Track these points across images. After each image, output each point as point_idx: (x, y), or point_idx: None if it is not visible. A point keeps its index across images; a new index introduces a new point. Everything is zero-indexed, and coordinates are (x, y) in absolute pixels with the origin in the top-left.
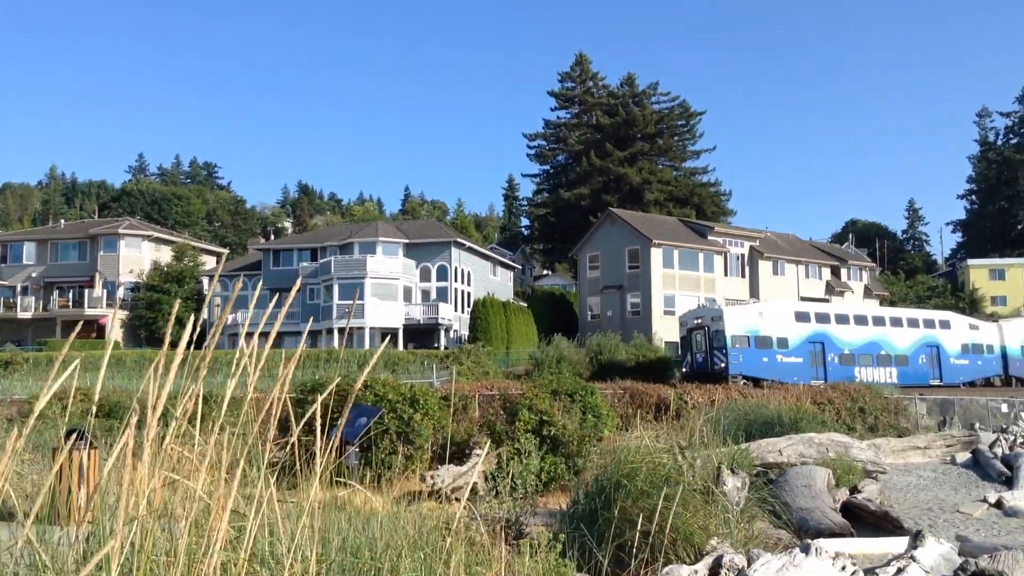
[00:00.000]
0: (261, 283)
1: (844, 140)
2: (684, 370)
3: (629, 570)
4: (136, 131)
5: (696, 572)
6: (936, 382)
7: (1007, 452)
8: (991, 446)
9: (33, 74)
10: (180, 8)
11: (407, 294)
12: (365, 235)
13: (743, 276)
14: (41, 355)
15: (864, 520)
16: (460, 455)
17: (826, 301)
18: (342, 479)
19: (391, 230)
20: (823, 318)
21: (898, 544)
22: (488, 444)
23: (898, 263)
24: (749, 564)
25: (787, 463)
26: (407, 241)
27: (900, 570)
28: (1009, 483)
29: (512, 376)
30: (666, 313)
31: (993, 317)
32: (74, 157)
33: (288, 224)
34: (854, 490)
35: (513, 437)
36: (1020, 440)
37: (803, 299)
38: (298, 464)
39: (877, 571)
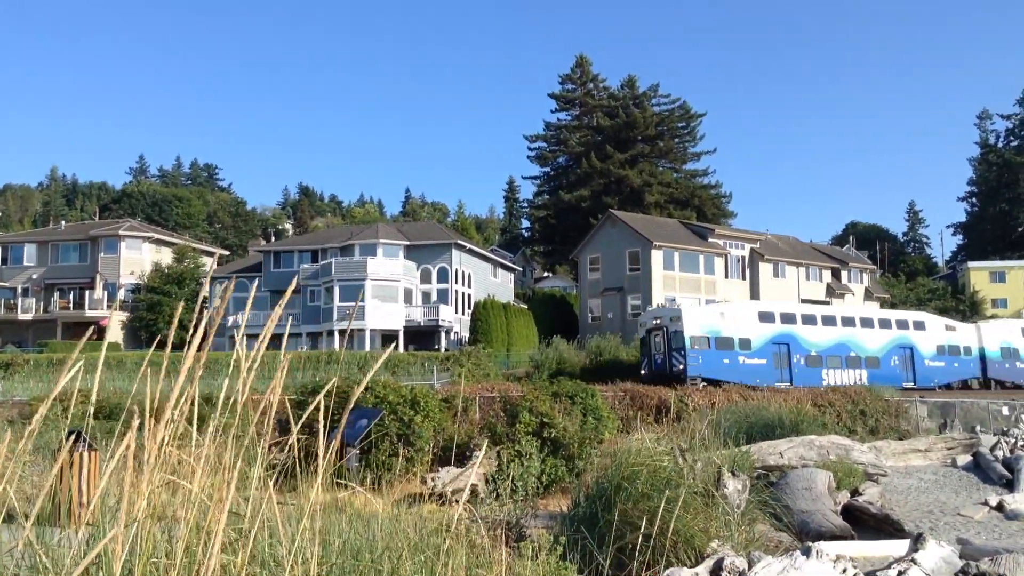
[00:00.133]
0: (258, 284)
1: (844, 142)
2: (643, 372)
3: (630, 572)
4: (137, 132)
5: (697, 575)
6: (909, 384)
7: (1008, 455)
8: (992, 449)
9: (34, 75)
10: (181, 9)
11: (408, 296)
12: (366, 237)
13: (744, 278)
14: (42, 357)
15: (865, 523)
16: (461, 457)
17: (826, 303)
18: (343, 481)
19: (392, 232)
20: (788, 318)
21: (899, 547)
22: (489, 446)
23: (899, 265)
24: (750, 567)
25: (788, 466)
26: (408, 243)
27: (901, 573)
28: (1010, 486)
29: (513, 378)
30: None
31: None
32: (75, 159)
33: (289, 226)
34: (855, 493)
35: (514, 439)
36: (1021, 443)
37: (803, 301)
38: (298, 466)
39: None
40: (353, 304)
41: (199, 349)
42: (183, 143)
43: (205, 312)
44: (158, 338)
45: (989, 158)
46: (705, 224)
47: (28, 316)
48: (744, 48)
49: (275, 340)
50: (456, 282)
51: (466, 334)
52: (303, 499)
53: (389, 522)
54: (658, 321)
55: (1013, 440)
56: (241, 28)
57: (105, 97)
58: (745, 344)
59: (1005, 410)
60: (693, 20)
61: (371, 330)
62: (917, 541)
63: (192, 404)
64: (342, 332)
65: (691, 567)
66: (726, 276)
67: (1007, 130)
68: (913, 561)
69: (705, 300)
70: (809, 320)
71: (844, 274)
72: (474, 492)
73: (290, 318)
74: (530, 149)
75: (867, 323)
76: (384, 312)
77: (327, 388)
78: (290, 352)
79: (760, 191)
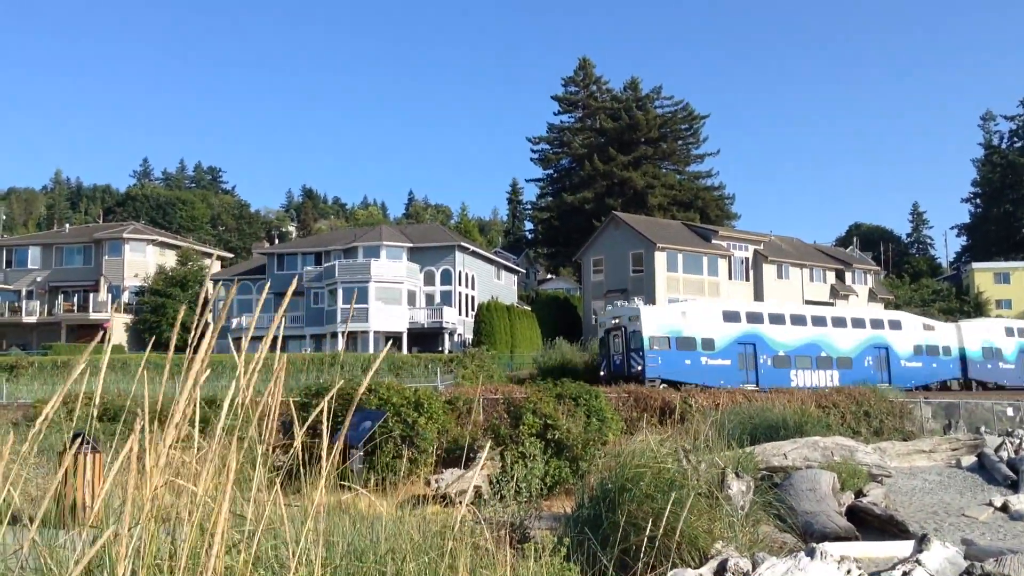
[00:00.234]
0: (261, 287)
1: (848, 143)
2: (601, 373)
3: (634, 574)
4: (141, 135)
5: None
6: (884, 386)
7: (1013, 456)
8: (997, 450)
9: (37, 78)
10: (183, 11)
11: (411, 298)
12: (369, 239)
13: (747, 280)
14: (46, 359)
15: (869, 524)
16: (465, 459)
17: (830, 304)
18: (346, 483)
19: (395, 234)
20: (755, 318)
21: (903, 548)
22: (492, 448)
23: (903, 267)
24: (754, 568)
25: (792, 467)
26: (411, 245)
27: (906, 574)
28: (1015, 487)
29: (516, 380)
30: None
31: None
32: (79, 162)
33: (292, 228)
34: (859, 494)
35: (517, 441)
36: None
37: (807, 302)
38: (302, 468)
39: (883, 575)
40: (356, 306)
41: (198, 350)
42: (187, 146)
43: (208, 314)
44: (154, 339)
45: (993, 159)
46: (709, 226)
47: (32, 319)
48: (747, 50)
49: (280, 342)
50: (460, 284)
51: (470, 336)
52: (307, 501)
53: (393, 524)
54: (616, 321)
55: (1018, 441)
56: (243, 30)
57: (109, 100)
58: (708, 344)
59: (1010, 411)
60: (696, 22)
61: (375, 332)
62: (922, 542)
63: (194, 407)
64: (345, 334)
65: (695, 568)
66: (730, 278)
67: (1011, 131)
68: (918, 562)
69: (709, 302)
70: (777, 320)
71: (848, 275)
72: (478, 494)
73: (290, 319)
74: (533, 151)
75: (839, 323)
76: (388, 314)
77: (332, 392)
78: (294, 354)
79: (763, 192)
